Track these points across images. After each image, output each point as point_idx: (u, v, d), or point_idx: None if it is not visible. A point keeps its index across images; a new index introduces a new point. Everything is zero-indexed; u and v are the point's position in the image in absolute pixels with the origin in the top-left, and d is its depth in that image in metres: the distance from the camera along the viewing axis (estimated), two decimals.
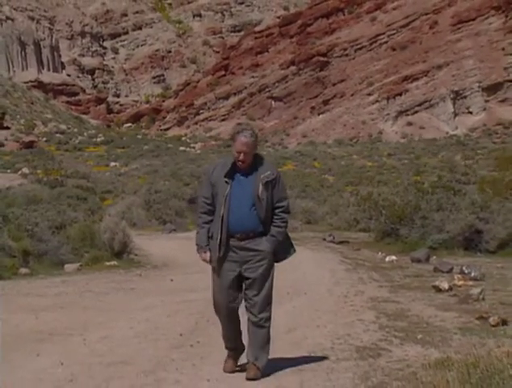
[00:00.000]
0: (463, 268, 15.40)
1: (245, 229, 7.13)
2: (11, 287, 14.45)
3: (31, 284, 15.10)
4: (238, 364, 7.49)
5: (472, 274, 14.90)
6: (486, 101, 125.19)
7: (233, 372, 7.33)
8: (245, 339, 7.44)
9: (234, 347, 7.51)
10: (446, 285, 13.32)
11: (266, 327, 7.26)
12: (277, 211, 7.24)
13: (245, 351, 7.36)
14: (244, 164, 7.14)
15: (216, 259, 7.15)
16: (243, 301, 7.32)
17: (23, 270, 16.50)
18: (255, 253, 7.16)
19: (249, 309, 7.23)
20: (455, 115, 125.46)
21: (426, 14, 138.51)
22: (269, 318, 7.30)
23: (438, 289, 13.26)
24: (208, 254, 7.19)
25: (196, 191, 39.99)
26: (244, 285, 7.25)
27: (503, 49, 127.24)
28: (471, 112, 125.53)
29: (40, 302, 12.36)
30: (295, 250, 7.55)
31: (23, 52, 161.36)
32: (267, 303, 7.26)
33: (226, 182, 7.11)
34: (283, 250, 7.38)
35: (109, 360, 8.18)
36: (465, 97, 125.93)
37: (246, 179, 7.17)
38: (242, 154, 7.08)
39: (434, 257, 19.11)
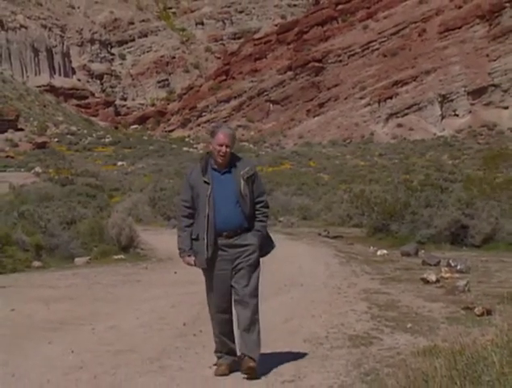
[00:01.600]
0: (450, 262, 15.39)
1: (232, 227, 6.85)
2: (25, 279, 14.45)
3: (43, 276, 15.09)
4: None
5: (458, 267, 14.88)
6: (471, 104, 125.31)
7: (226, 375, 6.86)
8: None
9: (227, 350, 7.09)
10: (433, 278, 13.31)
11: (253, 310, 6.92)
12: (258, 206, 7.01)
13: (237, 345, 7.04)
14: (225, 158, 6.85)
15: (205, 261, 6.85)
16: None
17: (36, 263, 16.51)
18: (244, 248, 6.88)
19: (239, 302, 6.89)
20: (443, 117, 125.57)
21: (415, 22, 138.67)
22: (257, 310, 6.99)
23: (426, 281, 13.25)
24: (192, 258, 6.94)
25: None
26: (233, 280, 6.91)
27: (487, 56, 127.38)
28: (457, 115, 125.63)
29: (52, 294, 12.35)
30: (275, 245, 7.28)
31: (36, 59, 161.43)
32: (255, 295, 6.94)
33: (206, 182, 6.83)
34: (267, 244, 7.11)
35: (116, 348, 8.18)
36: (452, 100, 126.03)
37: (226, 177, 6.89)
38: (224, 147, 6.79)
39: (423, 251, 19.09)
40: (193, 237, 6.93)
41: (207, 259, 6.83)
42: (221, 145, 6.80)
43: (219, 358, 7.07)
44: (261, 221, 7.04)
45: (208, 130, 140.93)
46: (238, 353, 7.00)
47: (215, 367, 7.05)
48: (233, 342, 7.13)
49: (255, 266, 6.95)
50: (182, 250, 7.02)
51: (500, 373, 4.18)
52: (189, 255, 6.96)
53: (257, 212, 7.02)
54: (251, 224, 6.98)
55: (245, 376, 6.72)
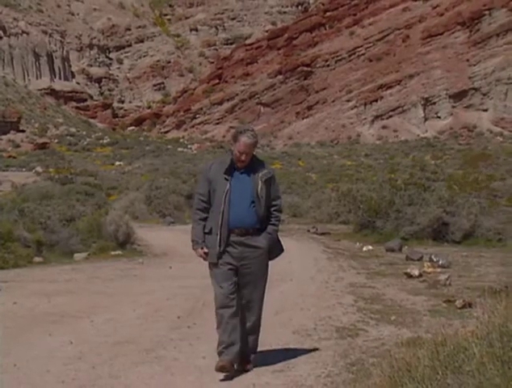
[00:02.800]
0: (432, 257, 15.42)
1: (244, 225, 6.67)
2: (26, 274, 14.44)
3: (44, 271, 15.08)
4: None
5: (440, 262, 14.91)
6: (453, 107, 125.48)
7: (228, 372, 6.56)
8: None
9: (231, 341, 6.65)
10: (416, 272, 13.34)
11: (259, 324, 6.90)
12: (272, 209, 6.84)
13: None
14: (243, 164, 6.71)
15: (216, 255, 6.64)
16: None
17: (37, 259, 16.49)
18: (253, 249, 6.70)
19: (245, 307, 6.77)
20: (425, 119, 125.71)
21: (399, 29, 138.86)
22: (261, 315, 6.91)
23: (410, 276, 13.28)
24: (204, 250, 6.71)
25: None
26: (240, 281, 6.71)
27: (467, 60, 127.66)
28: (439, 117, 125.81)
29: (52, 288, 12.34)
30: (284, 250, 7.09)
31: (37, 63, 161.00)
32: (261, 299, 6.86)
33: (226, 179, 6.64)
34: (276, 247, 6.93)
35: (114, 339, 8.19)
36: (434, 103, 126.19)
37: (245, 177, 6.72)
38: (244, 155, 6.66)
39: (406, 247, 19.12)
40: (206, 231, 6.75)
41: (218, 255, 6.65)
42: (241, 153, 6.67)
43: (221, 353, 6.67)
44: (273, 224, 6.88)
45: (203, 132, 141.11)
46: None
47: (209, 357, 7.05)
48: (238, 334, 6.74)
49: (263, 270, 6.85)
50: (195, 242, 6.82)
51: (480, 363, 4.19)
52: (202, 248, 6.74)
53: (271, 216, 6.86)
54: (263, 226, 6.79)
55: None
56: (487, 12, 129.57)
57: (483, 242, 19.68)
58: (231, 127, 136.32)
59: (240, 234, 6.68)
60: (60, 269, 15.36)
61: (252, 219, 6.70)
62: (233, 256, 6.67)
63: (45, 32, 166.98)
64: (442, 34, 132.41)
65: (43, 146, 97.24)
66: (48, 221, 18.41)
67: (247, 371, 6.73)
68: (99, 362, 7.16)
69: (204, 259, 6.79)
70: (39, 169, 61.87)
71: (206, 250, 6.70)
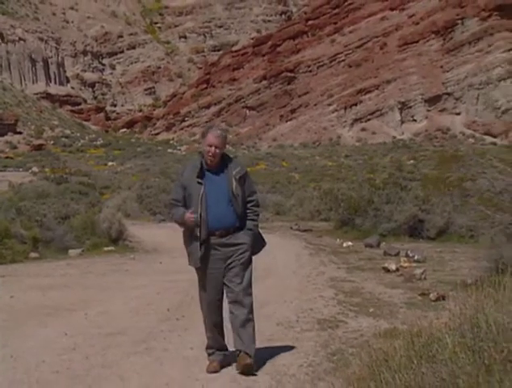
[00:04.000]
0: (408, 252, 15.46)
1: (225, 226, 6.33)
2: (23, 269, 14.37)
3: (40, 266, 15.01)
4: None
5: (416, 257, 14.96)
6: (428, 111, 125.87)
7: (217, 372, 6.38)
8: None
9: (218, 346, 6.62)
10: (393, 267, 13.37)
11: (248, 309, 6.47)
12: (249, 205, 6.51)
13: (233, 342, 6.48)
14: (214, 159, 6.35)
15: (199, 260, 6.30)
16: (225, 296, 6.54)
17: (33, 254, 16.41)
18: (237, 247, 6.37)
19: (234, 301, 6.40)
20: (402, 122, 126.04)
21: (377, 36, 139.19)
22: (252, 308, 6.53)
23: (387, 270, 13.31)
24: (193, 215, 6.22)
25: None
26: (226, 278, 6.41)
27: (441, 67, 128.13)
28: (415, 120, 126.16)
29: (48, 282, 12.29)
30: (266, 243, 6.78)
31: (33, 68, 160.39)
32: (249, 293, 6.47)
33: (199, 182, 6.29)
34: (258, 242, 6.62)
35: (107, 331, 8.16)
36: (410, 107, 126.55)
37: (218, 177, 6.38)
38: (213, 148, 6.29)
39: (384, 243, 19.14)
40: (190, 237, 6.39)
41: (201, 258, 6.32)
42: (210, 146, 6.32)
43: (210, 355, 6.62)
44: (252, 220, 6.55)
45: (191, 134, 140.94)
46: (232, 349, 6.57)
47: (196, 348, 7.03)
48: (224, 338, 6.66)
49: (247, 264, 6.48)
50: (181, 214, 6.32)
51: (452, 352, 4.20)
52: (190, 213, 6.24)
53: (248, 211, 6.53)
54: (242, 223, 6.48)
55: (240, 372, 6.26)
56: (460, 21, 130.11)
57: (456, 239, 19.74)
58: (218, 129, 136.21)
59: (220, 235, 6.35)
60: (56, 264, 15.30)
61: (231, 218, 6.38)
62: (219, 258, 6.36)
63: (41, 39, 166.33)
64: (417, 42, 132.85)
65: (39, 147, 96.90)
66: (43, 219, 18.32)
67: (247, 367, 6.29)
68: (92, 353, 7.14)
69: (193, 222, 6.26)
70: (35, 169, 61.60)
71: (191, 214, 6.24)
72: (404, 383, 4.19)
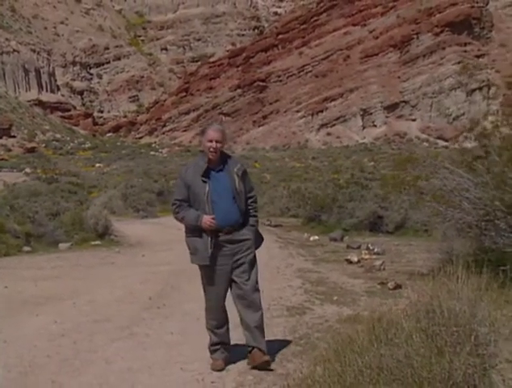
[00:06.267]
0: (369, 245, 15.53)
1: (231, 223, 5.89)
2: (16, 262, 14.24)
3: (32, 259, 14.88)
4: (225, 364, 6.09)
5: (376, 250, 15.02)
6: (386, 117, 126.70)
7: (223, 369, 5.97)
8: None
9: (224, 341, 6.15)
10: (355, 258, 13.41)
11: (261, 309, 6.08)
12: (249, 201, 6.12)
13: (246, 338, 6.06)
14: (216, 154, 5.92)
15: (208, 257, 5.83)
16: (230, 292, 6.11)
17: (26, 248, 16.26)
18: (242, 243, 5.95)
19: (243, 297, 5.99)
20: (364, 127, 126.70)
21: (341, 49, 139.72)
22: (261, 303, 6.10)
23: (350, 262, 13.34)
24: (209, 217, 5.78)
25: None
26: (234, 274, 5.97)
27: (399, 77, 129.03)
28: (375, 125, 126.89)
29: (39, 274, 12.18)
30: (263, 239, 6.39)
31: (26, 77, 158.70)
32: (257, 288, 6.05)
33: (203, 181, 5.84)
34: (259, 237, 6.22)
35: (93, 318, 8.11)
36: (371, 114, 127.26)
37: (220, 175, 5.94)
38: (215, 142, 5.87)
39: (347, 237, 19.20)
40: (196, 234, 5.90)
41: (210, 256, 5.86)
42: (211, 141, 5.89)
43: (214, 352, 6.15)
44: (254, 216, 6.16)
45: (172, 138, 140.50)
46: (236, 345, 6.28)
47: (176, 334, 6.98)
48: (228, 333, 6.22)
49: (254, 261, 6.08)
50: (197, 218, 5.85)
51: (409, 335, 4.22)
52: (212, 218, 5.80)
53: (249, 208, 6.12)
54: (245, 219, 6.05)
55: (254, 367, 5.89)
56: (415, 36, 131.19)
57: (412, 233, 19.84)
58: (197, 134, 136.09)
59: (227, 232, 5.90)
60: (47, 257, 15.17)
61: (235, 215, 5.94)
62: (226, 255, 5.92)
63: (34, 51, 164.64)
64: (377, 54, 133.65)
65: (31, 150, 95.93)
66: (35, 216, 18.16)
67: (266, 363, 5.90)
68: (80, 338, 7.09)
69: (214, 226, 5.81)
70: (28, 170, 60.92)
71: (210, 217, 5.79)
72: (365, 364, 4.20)
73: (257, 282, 6.08)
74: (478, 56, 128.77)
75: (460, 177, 9.33)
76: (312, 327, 7.46)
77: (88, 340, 7.02)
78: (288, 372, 5.63)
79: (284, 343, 6.72)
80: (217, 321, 6.13)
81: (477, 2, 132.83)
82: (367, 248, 15.27)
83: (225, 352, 6.14)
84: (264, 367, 5.86)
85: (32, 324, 7.82)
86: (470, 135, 9.78)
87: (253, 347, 5.99)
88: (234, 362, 6.10)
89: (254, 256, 6.10)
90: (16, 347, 6.73)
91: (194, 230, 5.92)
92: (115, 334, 7.30)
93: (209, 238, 5.83)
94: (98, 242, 18.36)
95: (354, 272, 12.19)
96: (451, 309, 4.25)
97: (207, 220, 5.77)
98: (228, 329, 6.20)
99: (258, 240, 6.24)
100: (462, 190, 9.27)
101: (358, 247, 16.08)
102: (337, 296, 9.48)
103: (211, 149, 5.90)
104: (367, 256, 13.96)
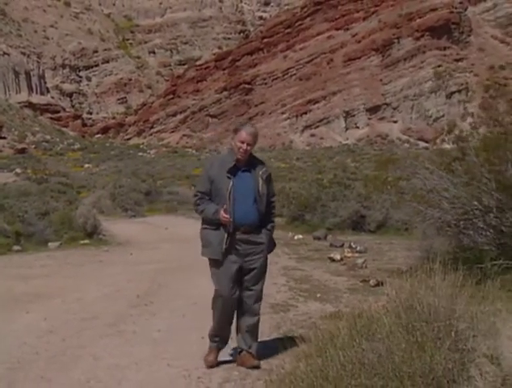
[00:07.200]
0: (351, 244, 15.56)
1: (249, 222, 5.76)
2: (6, 261, 14.15)
3: (22, 258, 14.79)
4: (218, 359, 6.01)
5: (358, 248, 15.05)
6: (369, 119, 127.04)
7: (216, 366, 5.92)
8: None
9: (222, 334, 6.04)
10: (338, 257, 13.44)
11: (258, 315, 6.07)
12: (270, 206, 6.03)
13: (237, 340, 6.06)
14: (245, 155, 5.79)
15: (221, 252, 5.72)
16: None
17: (16, 247, 16.16)
18: (256, 246, 5.85)
19: (246, 299, 5.95)
20: (346, 129, 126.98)
21: (325, 53, 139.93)
22: (259, 312, 6.10)
23: (333, 260, 13.37)
24: (224, 213, 5.67)
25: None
26: (244, 276, 5.90)
27: (381, 80, 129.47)
28: (358, 127, 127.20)
29: (29, 272, 12.12)
30: (276, 245, 6.29)
31: (16, 80, 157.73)
32: (260, 297, 6.05)
33: (228, 177, 5.72)
34: (271, 243, 6.08)
35: (82, 315, 8.08)
36: (353, 115, 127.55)
37: (246, 175, 5.81)
38: (245, 145, 5.74)
39: (330, 236, 19.23)
40: (213, 227, 5.81)
41: (224, 252, 5.75)
42: (242, 143, 5.75)
43: (214, 342, 6.06)
44: (271, 221, 6.08)
45: (159, 139, 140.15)
46: (233, 344, 6.18)
47: (163, 331, 6.95)
48: (230, 331, 6.11)
49: (265, 266, 6.01)
50: (215, 212, 5.75)
51: (389, 331, 4.22)
52: (224, 210, 5.69)
53: (268, 212, 6.00)
54: (262, 222, 5.92)
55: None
56: (396, 40, 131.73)
57: (393, 232, 19.91)
58: (184, 135, 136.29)
59: (244, 231, 5.78)
60: (37, 256, 15.09)
61: (254, 216, 5.82)
62: (239, 254, 5.80)
63: (24, 54, 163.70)
64: (359, 58, 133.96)
65: (22, 151, 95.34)
66: (25, 215, 18.05)
67: (257, 366, 5.87)
68: (69, 335, 7.06)
69: (228, 222, 5.71)
70: (18, 170, 60.52)
71: (226, 214, 5.68)
72: (347, 359, 4.19)
73: (261, 291, 6.04)
74: (457, 60, 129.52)
75: (440, 177, 9.37)
76: (296, 324, 7.47)
77: (76, 337, 6.99)
78: (272, 368, 5.62)
79: (269, 340, 6.71)
80: (223, 316, 5.98)
81: (456, 8, 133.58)
82: (350, 246, 15.30)
83: (223, 344, 6.08)
84: (252, 369, 5.81)
85: (22, 321, 7.78)
86: (448, 137, 9.84)
87: (243, 350, 5.97)
88: (220, 360, 6.09)
89: (266, 261, 6.02)
90: (6, 344, 6.69)
91: (211, 223, 5.82)
92: (102, 331, 7.27)
93: (226, 234, 5.73)
94: (86, 241, 18.27)
95: (337, 269, 12.21)
96: (430, 305, 4.26)
97: (223, 215, 5.67)
98: (231, 323, 6.08)
99: (271, 245, 6.11)
100: (441, 190, 9.31)
101: (341, 246, 16.10)
102: (320, 293, 9.49)
103: (241, 150, 5.80)
104: (349, 254, 14.00)
